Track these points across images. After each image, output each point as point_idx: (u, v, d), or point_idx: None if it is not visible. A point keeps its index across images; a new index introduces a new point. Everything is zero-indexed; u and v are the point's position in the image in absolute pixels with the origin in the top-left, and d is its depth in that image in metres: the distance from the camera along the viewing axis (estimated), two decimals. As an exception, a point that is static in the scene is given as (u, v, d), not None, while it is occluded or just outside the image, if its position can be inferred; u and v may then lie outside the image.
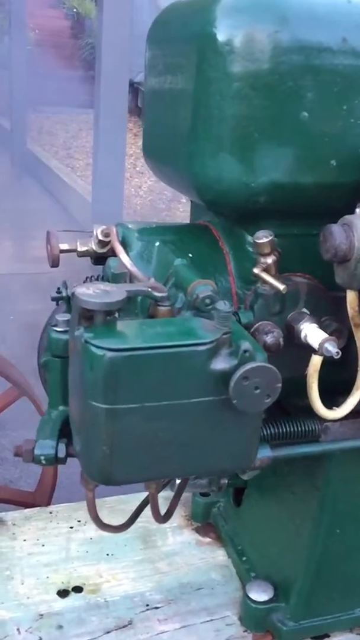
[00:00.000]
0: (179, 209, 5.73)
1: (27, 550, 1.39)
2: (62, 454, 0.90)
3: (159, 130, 1.06)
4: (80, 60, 9.75)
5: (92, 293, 0.73)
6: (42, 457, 0.90)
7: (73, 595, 1.28)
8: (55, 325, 0.96)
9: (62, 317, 0.96)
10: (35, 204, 5.91)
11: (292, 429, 0.96)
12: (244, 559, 1.35)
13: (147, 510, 1.54)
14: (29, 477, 2.65)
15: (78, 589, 1.30)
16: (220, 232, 1.03)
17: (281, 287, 0.88)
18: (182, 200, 5.96)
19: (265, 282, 0.92)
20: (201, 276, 0.89)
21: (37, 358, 1.48)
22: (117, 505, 1.51)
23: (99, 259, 1.10)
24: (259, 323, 0.95)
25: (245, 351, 0.72)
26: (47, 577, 1.32)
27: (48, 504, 1.92)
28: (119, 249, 0.86)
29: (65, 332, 0.95)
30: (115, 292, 0.74)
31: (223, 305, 0.73)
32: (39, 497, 1.95)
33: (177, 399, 0.72)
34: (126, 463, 0.73)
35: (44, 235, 1.05)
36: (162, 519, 0.98)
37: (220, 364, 0.72)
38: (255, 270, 0.92)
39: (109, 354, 0.68)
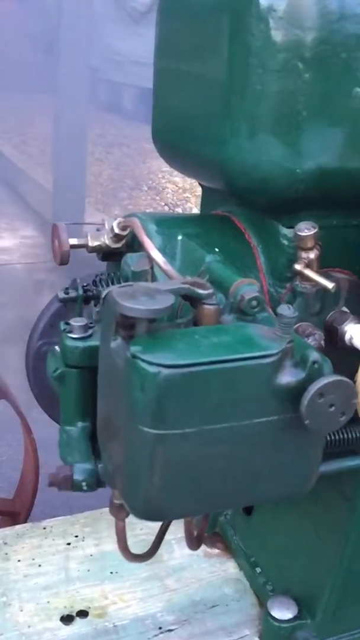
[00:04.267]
0: (141, 197, 5.60)
1: (23, 571, 1.27)
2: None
3: (176, 112, 0.95)
4: (32, 43, 9.45)
5: (134, 297, 0.62)
6: (84, 483, 0.80)
7: (78, 620, 1.18)
8: (70, 332, 0.85)
9: (77, 321, 0.85)
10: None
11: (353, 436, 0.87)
12: (259, 571, 1.26)
13: (151, 522, 1.45)
14: (1, 482, 2.52)
15: (83, 614, 1.19)
16: (245, 223, 0.94)
17: (330, 285, 0.79)
18: (143, 188, 5.83)
19: (307, 279, 0.83)
20: (238, 274, 0.80)
21: (26, 363, 1.36)
22: (115, 517, 1.41)
23: (109, 254, 0.99)
24: (299, 324, 0.85)
25: (314, 362, 0.63)
26: (48, 602, 1.21)
27: (29, 511, 1.81)
28: (149, 245, 0.75)
29: (81, 339, 0.84)
30: (162, 296, 0.63)
31: (287, 310, 0.63)
32: (19, 505, 1.84)
33: (238, 420, 0.62)
34: (179, 496, 0.63)
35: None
36: (195, 544, 0.88)
37: (285, 377, 0.63)
38: (297, 267, 0.82)
39: (165, 371, 0.58)
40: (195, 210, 5.39)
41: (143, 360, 0.59)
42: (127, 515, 0.80)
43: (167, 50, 0.94)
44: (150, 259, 0.88)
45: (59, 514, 2.62)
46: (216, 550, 1.36)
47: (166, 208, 5.35)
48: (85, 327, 0.85)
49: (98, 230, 0.97)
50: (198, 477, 0.63)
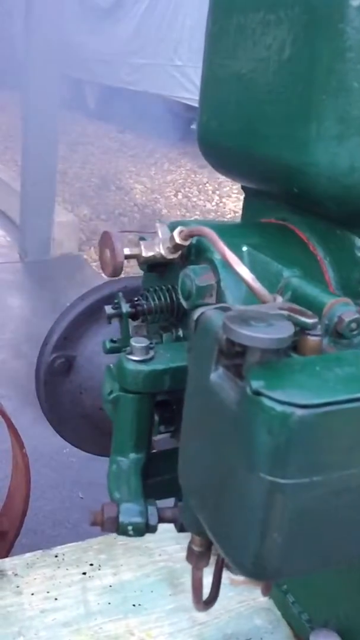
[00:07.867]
0: (110, 197, 5.49)
1: (39, 606, 1.17)
2: (153, 520, 0.71)
3: (234, 112, 0.86)
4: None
5: (247, 323, 0.54)
6: (130, 527, 0.70)
7: (105, 661, 1.09)
8: (131, 354, 0.76)
9: (139, 342, 0.76)
10: None
11: None
12: (292, 601, 1.19)
13: (168, 546, 1.36)
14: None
15: (109, 653, 1.10)
16: (307, 233, 0.86)
17: None
18: (111, 187, 5.72)
19: (392, 297, 0.76)
20: (326, 291, 0.72)
21: (36, 376, 1.26)
22: (130, 542, 1.32)
23: (156, 266, 0.90)
24: (379, 345, 0.78)
25: None
26: (70, 641, 1.11)
27: (19, 530, 1.70)
28: (234, 259, 0.67)
29: (143, 362, 0.76)
30: (279, 322, 0.55)
31: None
32: (7, 523, 1.73)
33: (366, 465, 0.54)
34: (297, 553, 0.55)
35: None
36: (267, 589, 0.80)
37: None
38: (384, 283, 0.75)
39: (299, 411, 0.50)
40: (165, 212, 5.29)
41: (270, 398, 0.50)
42: (206, 565, 0.72)
43: (225, 46, 0.86)
44: (215, 273, 0.80)
45: (44, 529, 2.50)
46: (242, 577, 1.28)
47: (135, 208, 5.25)
48: (147, 349, 0.76)
49: (142, 239, 0.88)
50: (319, 531, 0.55)
